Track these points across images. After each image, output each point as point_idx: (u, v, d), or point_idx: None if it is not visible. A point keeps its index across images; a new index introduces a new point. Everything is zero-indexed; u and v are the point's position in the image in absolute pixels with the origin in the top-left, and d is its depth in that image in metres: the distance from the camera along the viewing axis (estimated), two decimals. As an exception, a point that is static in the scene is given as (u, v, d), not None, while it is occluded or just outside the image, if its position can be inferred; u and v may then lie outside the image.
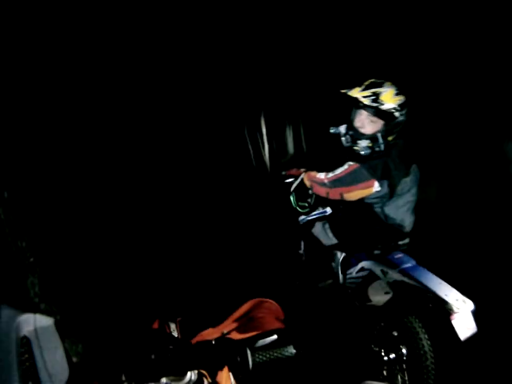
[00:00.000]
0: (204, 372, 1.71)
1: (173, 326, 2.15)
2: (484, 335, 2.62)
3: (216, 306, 3.50)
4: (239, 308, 2.14)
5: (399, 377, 2.92)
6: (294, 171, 3.44)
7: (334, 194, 3.07)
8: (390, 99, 2.91)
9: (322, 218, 3.41)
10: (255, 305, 2.16)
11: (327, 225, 3.33)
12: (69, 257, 3.58)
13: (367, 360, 3.08)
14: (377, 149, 2.99)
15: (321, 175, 3.17)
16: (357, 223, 3.12)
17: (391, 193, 2.94)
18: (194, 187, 4.91)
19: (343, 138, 3.14)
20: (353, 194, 2.99)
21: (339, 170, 3.05)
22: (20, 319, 1.40)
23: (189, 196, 4.79)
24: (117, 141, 4.72)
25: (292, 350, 1.91)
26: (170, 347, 1.63)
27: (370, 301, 3.01)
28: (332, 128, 3.23)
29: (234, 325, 2.09)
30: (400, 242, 3.09)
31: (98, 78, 4.90)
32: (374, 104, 2.91)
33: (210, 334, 2.01)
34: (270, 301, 2.13)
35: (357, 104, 3.01)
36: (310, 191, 3.33)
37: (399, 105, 2.93)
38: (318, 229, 3.38)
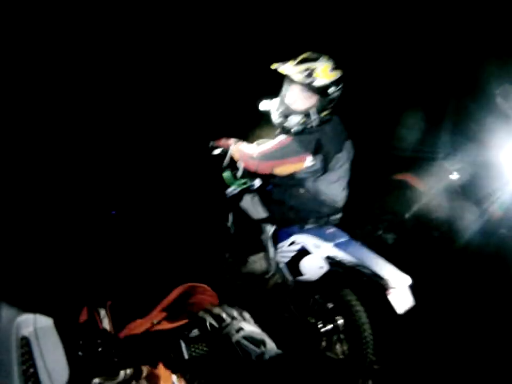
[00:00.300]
0: (141, 367, 1.62)
1: (102, 312, 2.03)
2: (422, 306, 2.70)
3: (147, 287, 3.44)
4: (169, 295, 2.01)
5: (337, 347, 2.99)
6: (222, 141, 3.28)
7: (264, 168, 2.97)
8: (325, 74, 2.80)
9: (251, 191, 3.34)
10: (186, 291, 2.04)
11: (256, 198, 3.26)
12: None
13: (304, 332, 3.11)
14: (309, 125, 2.90)
15: (251, 148, 3.05)
16: (288, 197, 3.06)
17: (323, 169, 2.90)
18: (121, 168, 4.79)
19: (273, 115, 3.04)
20: (284, 168, 2.92)
21: (270, 144, 2.94)
22: (19, 319, 1.40)
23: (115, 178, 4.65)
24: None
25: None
26: (99, 343, 1.52)
27: (303, 275, 3.01)
28: (261, 104, 3.12)
29: (164, 314, 1.96)
30: (333, 217, 3.10)
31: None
32: (307, 81, 2.79)
33: (139, 326, 1.88)
34: (202, 285, 2.01)
35: (288, 80, 2.90)
36: (238, 164, 3.23)
37: (335, 81, 2.83)
38: (246, 202, 3.30)
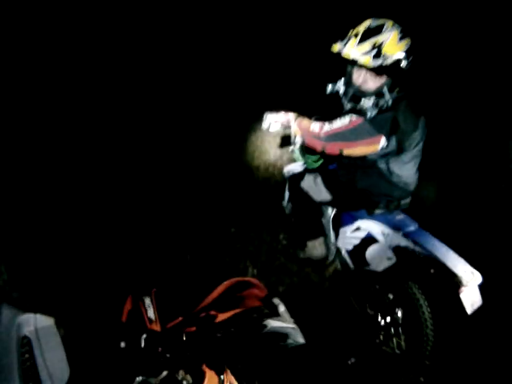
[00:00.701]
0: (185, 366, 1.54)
1: (147, 301, 1.99)
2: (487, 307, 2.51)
3: (192, 274, 3.36)
4: (216, 289, 1.95)
5: (395, 341, 2.83)
6: (281, 115, 2.99)
7: (332, 149, 2.72)
8: (394, 48, 2.48)
9: (313, 171, 3.13)
10: (234, 285, 1.96)
11: (319, 179, 3.06)
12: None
13: (363, 325, 2.96)
14: (384, 105, 2.61)
15: (316, 127, 2.78)
16: (357, 178, 2.84)
17: (398, 149, 2.65)
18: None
19: (343, 99, 2.77)
20: (356, 150, 2.66)
21: (338, 124, 2.69)
22: (20, 319, 1.42)
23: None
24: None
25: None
26: (143, 339, 1.48)
27: (368, 264, 2.82)
28: (328, 86, 2.83)
29: (213, 307, 1.91)
30: (403, 202, 2.87)
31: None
32: (378, 62, 2.48)
33: (185, 320, 1.80)
34: (251, 279, 1.94)
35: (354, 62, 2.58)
36: (295, 140, 3.00)
37: (405, 52, 2.52)
38: (308, 182, 3.10)
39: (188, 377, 1.47)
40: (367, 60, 2.49)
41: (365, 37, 2.52)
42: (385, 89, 2.60)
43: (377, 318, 2.87)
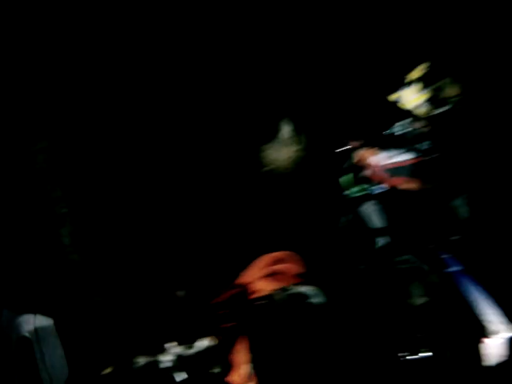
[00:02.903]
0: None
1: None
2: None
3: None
4: (259, 261, 1.93)
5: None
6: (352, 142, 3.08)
7: (394, 183, 2.77)
8: None
9: (372, 197, 3.15)
10: (276, 259, 1.96)
11: (378, 207, 3.07)
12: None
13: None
14: None
15: (379, 159, 2.84)
16: (417, 212, 2.82)
17: None
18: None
19: None
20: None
21: (402, 158, 2.74)
22: (20, 319, 1.45)
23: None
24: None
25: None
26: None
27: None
28: None
29: (255, 279, 1.89)
30: (452, 238, 2.82)
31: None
32: None
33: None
34: (289, 253, 1.89)
35: None
36: (361, 172, 3.05)
37: None
38: (366, 209, 3.12)
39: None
40: None
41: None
42: None
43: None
